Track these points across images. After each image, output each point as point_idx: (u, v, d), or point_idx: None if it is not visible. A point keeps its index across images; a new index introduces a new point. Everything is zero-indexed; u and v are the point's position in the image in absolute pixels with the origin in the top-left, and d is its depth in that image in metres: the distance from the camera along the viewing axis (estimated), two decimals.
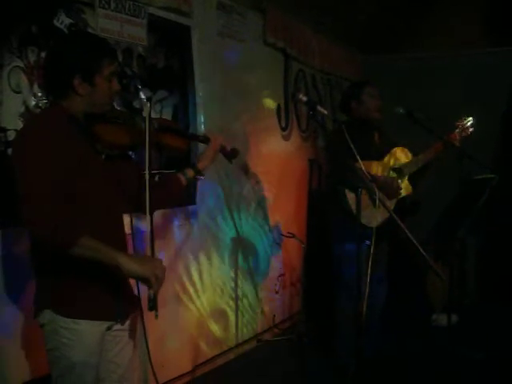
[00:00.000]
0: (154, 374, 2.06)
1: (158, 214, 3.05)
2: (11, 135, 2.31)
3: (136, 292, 2.00)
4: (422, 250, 2.15)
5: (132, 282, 1.96)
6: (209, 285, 3.63)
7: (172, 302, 3.27)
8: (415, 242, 2.16)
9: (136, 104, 2.92)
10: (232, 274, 3.87)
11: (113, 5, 2.79)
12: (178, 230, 3.34)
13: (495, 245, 5.09)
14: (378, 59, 5.63)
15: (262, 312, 4.24)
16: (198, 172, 2.24)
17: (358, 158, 2.39)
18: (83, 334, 1.84)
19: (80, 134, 1.88)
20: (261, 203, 4.22)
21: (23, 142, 1.80)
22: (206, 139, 2.28)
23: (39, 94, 2.45)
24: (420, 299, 4.65)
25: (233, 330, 3.89)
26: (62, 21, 2.56)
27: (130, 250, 2.07)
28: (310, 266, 4.50)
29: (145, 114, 1.92)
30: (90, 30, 2.65)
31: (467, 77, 5.16)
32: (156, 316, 1.82)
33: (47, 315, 1.85)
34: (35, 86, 2.44)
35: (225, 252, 3.80)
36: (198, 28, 3.41)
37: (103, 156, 1.98)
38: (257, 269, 4.17)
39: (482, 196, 3.03)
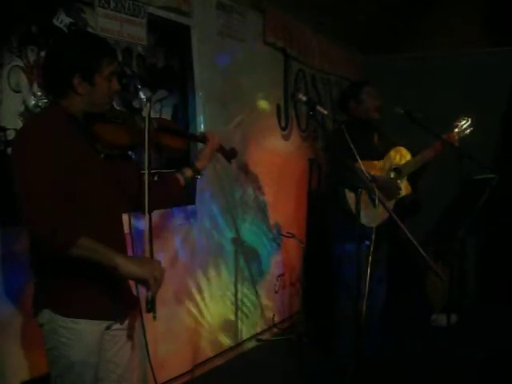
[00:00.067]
0: (153, 374, 2.06)
1: (157, 213, 3.05)
2: (11, 134, 2.31)
3: (135, 292, 1.99)
4: (421, 250, 2.15)
5: (131, 281, 1.96)
6: (208, 284, 3.62)
7: (171, 301, 3.27)
8: (415, 242, 2.15)
9: (136, 104, 2.92)
10: (232, 274, 3.87)
11: (112, 4, 2.79)
12: (177, 229, 3.34)
13: (495, 245, 5.08)
14: (378, 59, 5.63)
15: (262, 312, 4.23)
16: (197, 171, 2.24)
17: (358, 158, 2.39)
18: (82, 334, 1.84)
19: (79, 134, 1.88)
20: (261, 203, 4.22)
21: (23, 142, 1.80)
22: (203, 138, 2.28)
23: (39, 94, 2.45)
24: (420, 299, 4.65)
25: (232, 329, 3.89)
26: (62, 20, 2.56)
27: (129, 249, 2.07)
28: (309, 265, 4.50)
29: (144, 113, 1.91)
30: (89, 30, 2.65)
31: (467, 77, 5.16)
32: (154, 318, 1.81)
33: (46, 315, 1.85)
34: (35, 86, 2.44)
35: (224, 252, 3.80)
36: (197, 28, 3.41)
37: (103, 156, 1.97)
38: (256, 268, 4.17)
39: (482, 196, 3.03)
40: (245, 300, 4.02)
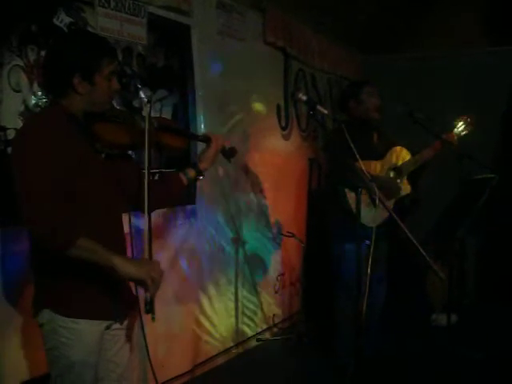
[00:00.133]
0: (154, 374, 2.06)
1: (157, 213, 3.05)
2: (11, 134, 2.31)
3: (135, 291, 1.99)
4: (421, 250, 2.14)
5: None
6: (209, 284, 3.62)
7: (171, 301, 3.27)
8: (415, 241, 2.15)
9: (136, 103, 2.92)
10: (232, 274, 3.87)
11: (112, 4, 2.79)
12: (177, 229, 3.34)
13: (495, 245, 5.08)
14: (378, 59, 5.63)
15: (262, 311, 4.23)
16: (199, 172, 2.23)
17: (358, 157, 2.39)
18: (82, 334, 1.84)
19: (80, 133, 1.88)
20: (261, 203, 4.22)
21: (23, 141, 1.80)
22: (206, 139, 2.27)
23: (39, 93, 2.45)
24: (420, 299, 4.65)
25: (232, 329, 3.89)
26: (62, 19, 2.55)
27: (129, 248, 2.07)
28: (309, 265, 4.50)
29: (144, 113, 1.91)
30: (89, 29, 2.65)
31: (467, 77, 5.16)
32: (153, 319, 1.81)
33: (46, 315, 1.85)
34: (35, 85, 2.44)
35: (225, 251, 3.80)
36: (197, 27, 3.41)
37: (103, 155, 1.97)
38: (256, 268, 4.17)
39: (482, 196, 3.03)
40: (245, 300, 4.02)
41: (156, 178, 2.52)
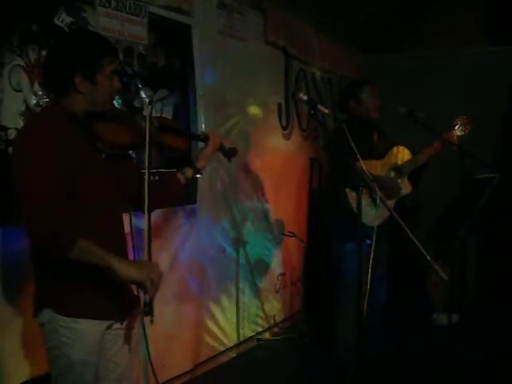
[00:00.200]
0: (154, 373, 2.06)
1: (158, 212, 3.05)
2: (12, 134, 2.31)
3: (136, 291, 1.99)
4: (422, 249, 2.14)
5: None
6: (209, 284, 3.62)
7: (172, 300, 3.27)
8: (416, 241, 2.15)
9: (136, 103, 2.92)
10: (232, 273, 3.87)
11: (113, 3, 2.79)
12: (178, 228, 3.34)
13: (495, 245, 5.08)
14: (379, 59, 5.63)
15: (263, 311, 4.23)
16: (197, 171, 2.24)
17: (359, 157, 2.39)
18: (83, 333, 1.84)
19: (81, 133, 1.88)
20: (261, 202, 4.22)
21: (24, 141, 1.80)
22: (205, 138, 2.27)
23: (40, 93, 2.45)
24: (420, 299, 4.65)
25: (233, 329, 3.89)
26: (63, 19, 2.55)
27: (130, 248, 2.07)
28: (310, 265, 4.50)
29: (145, 113, 1.91)
30: (90, 29, 2.65)
31: (467, 77, 5.16)
32: (151, 321, 1.81)
33: (47, 314, 1.85)
34: (36, 85, 2.44)
35: (225, 251, 3.80)
36: (198, 27, 3.41)
37: (104, 155, 1.97)
38: (257, 268, 4.17)
39: (483, 196, 3.03)
40: (246, 299, 4.02)
41: (155, 178, 2.52)
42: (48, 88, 2.02)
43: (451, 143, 3.42)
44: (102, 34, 2.60)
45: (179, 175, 2.20)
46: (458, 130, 3.50)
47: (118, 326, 1.98)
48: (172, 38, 3.26)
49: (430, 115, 3.40)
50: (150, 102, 1.93)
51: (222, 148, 2.32)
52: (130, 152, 2.34)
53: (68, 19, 2.57)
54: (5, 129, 2.32)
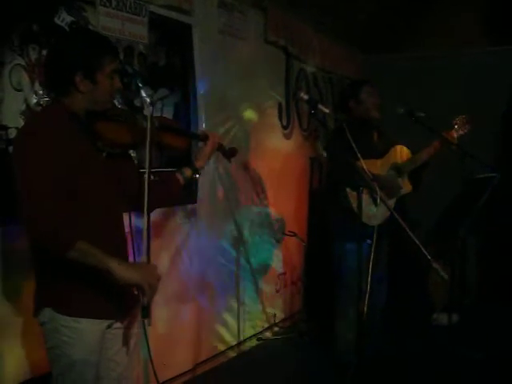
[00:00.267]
0: (155, 373, 2.05)
1: (158, 212, 3.05)
2: (12, 133, 2.31)
3: (136, 291, 1.99)
4: (423, 249, 2.14)
5: None
6: (210, 283, 3.62)
7: (172, 300, 3.27)
8: (416, 240, 2.15)
9: (137, 102, 2.92)
10: (233, 272, 3.87)
11: (114, 3, 2.79)
12: (178, 228, 3.34)
13: (495, 245, 5.09)
14: (379, 59, 5.63)
15: (263, 310, 4.24)
16: (196, 171, 2.24)
17: (360, 156, 2.39)
18: (84, 333, 1.84)
19: (81, 132, 1.87)
20: (262, 202, 4.22)
21: (24, 140, 1.80)
22: (204, 137, 2.27)
23: (40, 92, 2.45)
24: (421, 298, 4.65)
25: (234, 328, 3.89)
26: (63, 19, 2.55)
27: (130, 248, 2.07)
28: (310, 264, 4.51)
29: (146, 112, 1.91)
30: (90, 28, 2.65)
31: (467, 77, 5.16)
32: (149, 324, 1.81)
33: (47, 313, 1.85)
34: (36, 84, 2.44)
35: (226, 250, 3.80)
36: (199, 26, 3.41)
37: (104, 154, 1.97)
38: (258, 267, 4.17)
39: (483, 196, 3.03)
40: (246, 298, 4.02)
41: (154, 178, 2.52)
42: (48, 87, 2.02)
43: (450, 142, 3.42)
44: (103, 33, 2.61)
45: (178, 175, 2.20)
46: (457, 130, 3.50)
47: (118, 325, 1.98)
48: (172, 38, 3.26)
49: (429, 115, 3.41)
50: (152, 103, 1.93)
51: (221, 148, 2.32)
52: (131, 151, 2.34)
53: (68, 18, 2.57)
54: (5, 128, 2.32)
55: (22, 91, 2.40)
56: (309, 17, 4.58)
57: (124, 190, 2.03)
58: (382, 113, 3.52)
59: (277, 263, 4.44)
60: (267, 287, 4.30)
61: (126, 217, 2.05)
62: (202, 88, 3.45)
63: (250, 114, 4.06)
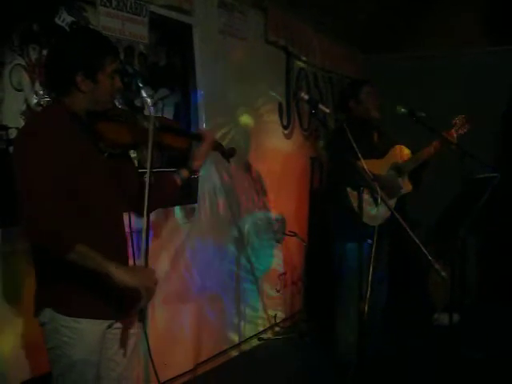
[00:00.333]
0: (156, 373, 2.06)
1: (158, 212, 3.05)
2: (13, 133, 2.31)
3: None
4: (423, 249, 2.14)
5: None
6: (210, 283, 3.62)
7: (173, 300, 3.27)
8: (417, 240, 2.15)
9: (137, 102, 2.92)
10: (233, 273, 3.87)
11: (114, 3, 2.79)
12: (178, 228, 3.34)
13: (495, 245, 5.09)
14: (379, 58, 5.64)
15: (264, 310, 4.23)
16: (193, 172, 2.23)
17: (360, 156, 2.39)
18: (84, 333, 1.84)
19: (82, 132, 1.87)
20: (262, 202, 4.22)
21: (25, 140, 1.80)
22: (199, 137, 2.27)
23: (41, 92, 2.45)
24: (422, 298, 4.65)
25: (234, 328, 3.89)
26: (64, 19, 2.56)
27: (130, 248, 2.07)
28: (311, 264, 4.51)
29: (147, 113, 1.91)
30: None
31: (467, 77, 5.17)
32: (144, 327, 1.81)
33: (48, 314, 1.85)
34: (37, 84, 2.44)
35: (226, 250, 3.80)
36: (199, 26, 3.41)
37: (106, 155, 1.97)
38: (258, 267, 4.17)
39: (483, 196, 3.03)
40: (246, 298, 4.02)
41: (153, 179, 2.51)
42: (49, 87, 2.02)
43: (450, 142, 3.43)
44: (103, 33, 2.60)
45: (175, 176, 2.19)
46: (456, 129, 3.51)
47: (118, 325, 1.98)
48: (173, 38, 3.26)
49: (430, 115, 3.41)
50: (153, 104, 1.93)
51: (220, 148, 2.32)
52: (131, 152, 2.34)
53: (69, 19, 2.58)
54: (6, 128, 2.32)
55: (22, 91, 2.40)
56: (309, 17, 4.58)
57: (124, 190, 2.03)
58: (382, 113, 3.52)
59: (277, 263, 4.44)
60: (268, 287, 4.30)
61: (125, 217, 2.05)
62: (202, 88, 3.44)
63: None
